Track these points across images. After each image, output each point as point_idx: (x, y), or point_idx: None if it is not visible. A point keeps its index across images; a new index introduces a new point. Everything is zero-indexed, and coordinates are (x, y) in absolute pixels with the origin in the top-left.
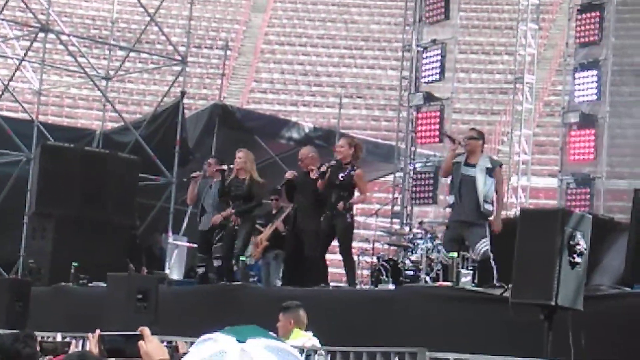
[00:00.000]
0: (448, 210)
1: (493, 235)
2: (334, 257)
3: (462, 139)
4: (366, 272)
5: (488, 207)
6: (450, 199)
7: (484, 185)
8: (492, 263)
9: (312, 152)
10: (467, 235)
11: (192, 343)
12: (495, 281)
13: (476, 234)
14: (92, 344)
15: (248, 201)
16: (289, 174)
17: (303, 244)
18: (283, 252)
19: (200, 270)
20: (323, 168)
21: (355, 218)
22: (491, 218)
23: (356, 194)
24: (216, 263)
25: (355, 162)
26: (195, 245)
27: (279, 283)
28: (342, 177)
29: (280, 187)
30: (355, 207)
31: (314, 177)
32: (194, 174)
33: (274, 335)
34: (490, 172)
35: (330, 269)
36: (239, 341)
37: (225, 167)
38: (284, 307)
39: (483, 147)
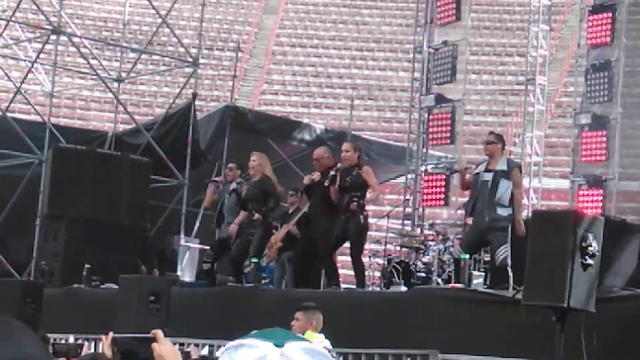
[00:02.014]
0: (460, 212)
1: (515, 240)
2: (346, 259)
3: (465, 167)
4: (378, 274)
5: (501, 211)
6: (465, 199)
7: (497, 189)
8: (509, 271)
9: (327, 153)
10: (489, 239)
11: (203, 345)
12: (511, 288)
13: (497, 240)
14: (105, 346)
15: (263, 200)
16: (307, 180)
17: (315, 245)
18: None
19: (206, 266)
20: (332, 172)
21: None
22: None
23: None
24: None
25: (360, 163)
26: (207, 248)
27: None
28: (349, 179)
29: (301, 192)
30: (367, 207)
31: (326, 185)
32: (215, 178)
33: (302, 337)
34: (506, 175)
35: (341, 271)
36: (277, 345)
37: (219, 178)
38: (305, 307)
39: (503, 149)
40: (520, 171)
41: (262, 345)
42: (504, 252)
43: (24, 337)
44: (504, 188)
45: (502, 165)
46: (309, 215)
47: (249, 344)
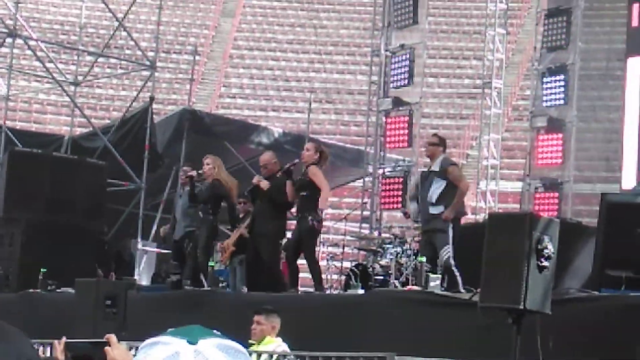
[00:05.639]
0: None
1: (455, 238)
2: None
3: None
4: (335, 277)
5: (432, 209)
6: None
7: (428, 189)
8: (455, 270)
9: (274, 158)
10: (434, 241)
11: None
12: (461, 288)
13: (439, 241)
14: (58, 351)
15: (215, 203)
16: (257, 180)
17: (259, 248)
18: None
19: (175, 277)
20: (289, 165)
21: (325, 222)
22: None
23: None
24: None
25: (313, 164)
26: (164, 251)
27: (244, 289)
28: (299, 178)
29: (247, 192)
30: (324, 211)
31: (281, 176)
32: (191, 173)
33: (219, 333)
34: (438, 174)
35: (300, 274)
36: (190, 342)
37: (194, 173)
38: (266, 310)
39: (444, 151)
40: (458, 168)
41: (175, 342)
42: (446, 252)
43: (21, 339)
44: (435, 187)
45: (436, 166)
46: (254, 218)
47: (164, 341)
